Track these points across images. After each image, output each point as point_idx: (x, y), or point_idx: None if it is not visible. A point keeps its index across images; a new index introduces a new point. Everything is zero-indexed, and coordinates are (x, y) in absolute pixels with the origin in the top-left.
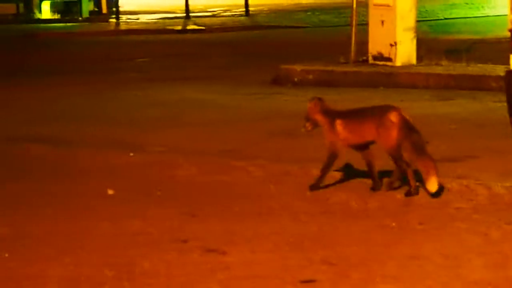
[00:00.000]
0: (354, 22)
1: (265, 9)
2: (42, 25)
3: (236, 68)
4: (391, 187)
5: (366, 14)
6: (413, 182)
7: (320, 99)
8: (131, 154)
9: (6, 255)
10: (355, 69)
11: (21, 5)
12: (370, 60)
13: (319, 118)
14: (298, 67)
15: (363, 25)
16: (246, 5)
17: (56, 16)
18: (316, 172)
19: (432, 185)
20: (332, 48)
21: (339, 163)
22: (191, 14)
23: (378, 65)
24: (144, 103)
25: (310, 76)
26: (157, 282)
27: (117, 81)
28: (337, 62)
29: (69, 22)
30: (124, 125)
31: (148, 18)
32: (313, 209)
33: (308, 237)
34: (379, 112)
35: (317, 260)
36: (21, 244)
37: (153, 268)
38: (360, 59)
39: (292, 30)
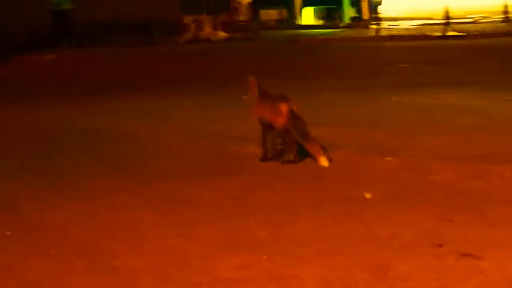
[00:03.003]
0: None
1: None
2: (304, 30)
3: (494, 74)
4: (285, 160)
5: None
6: (293, 156)
7: (256, 79)
8: (389, 158)
9: (265, 257)
10: None
11: (284, 11)
12: None
13: (253, 91)
14: None
15: None
16: (506, 12)
17: (318, 22)
18: None
19: (323, 162)
20: None
21: None
22: (450, 21)
23: None
24: (402, 108)
25: None
26: (411, 285)
27: (377, 86)
28: None
29: (330, 28)
30: (382, 129)
31: (408, 24)
32: None
33: None
34: (275, 101)
35: None
36: (279, 246)
37: (407, 272)
38: None
39: None
